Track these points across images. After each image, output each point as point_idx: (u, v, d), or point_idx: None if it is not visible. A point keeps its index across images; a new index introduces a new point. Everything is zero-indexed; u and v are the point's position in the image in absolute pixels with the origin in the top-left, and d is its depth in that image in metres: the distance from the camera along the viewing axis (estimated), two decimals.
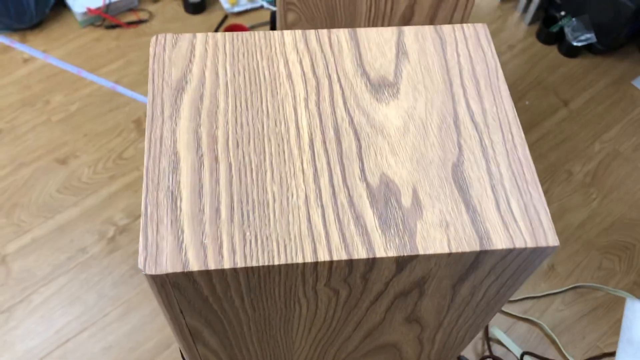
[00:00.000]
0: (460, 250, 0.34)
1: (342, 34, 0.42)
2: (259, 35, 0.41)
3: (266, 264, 0.33)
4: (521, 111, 1.47)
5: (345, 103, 0.39)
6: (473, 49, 0.42)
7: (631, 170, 1.40)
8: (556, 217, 1.31)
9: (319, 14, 0.78)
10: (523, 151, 0.38)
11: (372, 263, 0.34)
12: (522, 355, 1.05)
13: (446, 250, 0.34)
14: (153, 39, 0.40)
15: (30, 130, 1.35)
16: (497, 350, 1.11)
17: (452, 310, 0.43)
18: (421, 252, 0.34)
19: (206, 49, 0.40)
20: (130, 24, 1.62)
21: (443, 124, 0.38)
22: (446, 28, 0.43)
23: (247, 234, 0.33)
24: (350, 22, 0.78)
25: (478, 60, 0.41)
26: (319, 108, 0.39)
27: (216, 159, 0.36)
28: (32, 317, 1.12)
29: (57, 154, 1.31)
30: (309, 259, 0.33)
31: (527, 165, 0.37)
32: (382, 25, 0.77)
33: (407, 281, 0.37)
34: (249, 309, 0.38)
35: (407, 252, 0.34)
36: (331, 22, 0.79)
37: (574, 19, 1.52)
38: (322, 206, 0.35)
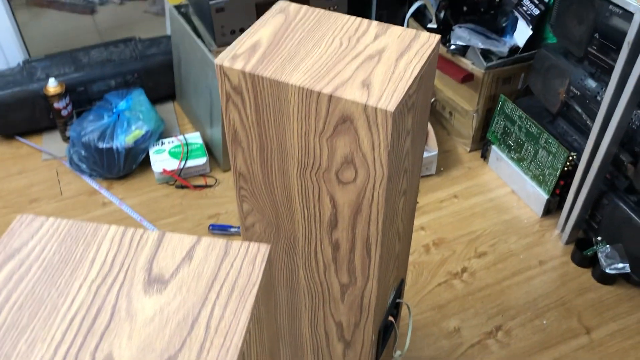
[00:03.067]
0: None
1: (152, 235, 0.53)
2: (92, 225, 0.54)
3: None
4: (536, 329, 1.43)
5: (120, 290, 0.49)
6: (246, 264, 0.51)
7: None
8: None
9: (266, 208, 0.90)
10: (232, 356, 0.44)
11: None
12: None
13: None
14: (17, 217, 0.55)
15: None
16: None
17: None
18: None
19: (48, 230, 0.53)
20: (197, 187, 1.85)
21: (182, 322, 0.47)
22: (236, 243, 0.53)
23: None
24: (290, 218, 0.89)
25: (243, 274, 0.50)
26: (97, 289, 0.49)
27: None
28: None
29: None
30: None
31: None
32: (317, 228, 0.87)
33: None
34: None
35: None
36: (276, 215, 0.90)
37: (608, 246, 1.50)
38: None
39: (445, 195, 1.79)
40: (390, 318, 1.08)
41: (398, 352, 1.14)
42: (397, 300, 1.11)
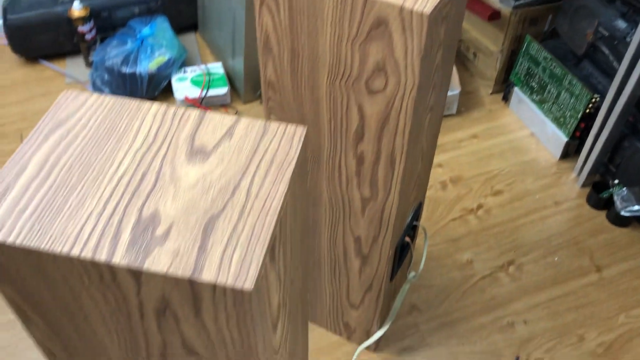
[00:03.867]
0: (173, 274, 0.43)
1: (193, 113, 0.55)
2: (135, 101, 0.56)
3: (34, 246, 0.45)
4: (548, 266, 1.45)
5: (164, 158, 0.51)
6: (284, 142, 0.53)
7: None
8: None
9: (293, 120, 0.92)
10: (270, 221, 0.47)
11: (111, 269, 0.44)
12: None
13: (164, 270, 0.43)
14: (62, 92, 0.57)
15: None
16: None
17: (217, 347, 0.51)
18: (145, 268, 0.44)
19: (93, 104, 0.55)
20: None
21: (224, 188, 0.49)
22: (274, 124, 0.54)
23: (34, 225, 0.46)
24: (317, 130, 0.90)
25: (281, 151, 0.52)
26: (142, 157, 0.51)
27: (49, 173, 0.49)
28: None
29: None
30: (66, 251, 0.44)
31: (265, 232, 0.46)
32: (343, 140, 0.89)
33: (154, 297, 0.46)
34: (47, 293, 0.50)
35: (135, 265, 0.44)
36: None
37: (625, 189, 1.50)
38: (98, 220, 0.46)
39: (465, 135, 1.79)
40: (407, 239, 1.10)
41: (412, 274, 1.17)
42: (414, 223, 1.13)
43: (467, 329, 1.34)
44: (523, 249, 1.49)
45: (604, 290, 1.41)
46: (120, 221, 0.47)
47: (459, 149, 1.75)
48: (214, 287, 0.44)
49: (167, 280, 0.44)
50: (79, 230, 0.46)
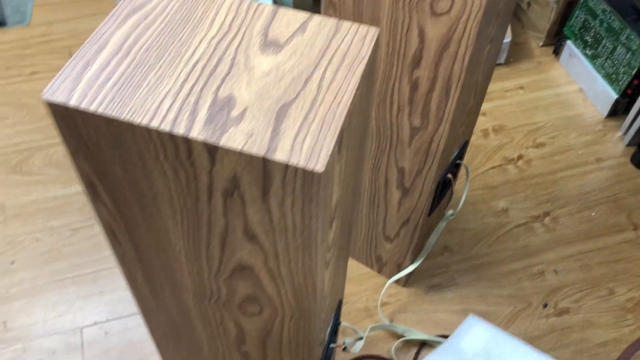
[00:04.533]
0: (248, 151, 0.45)
1: (267, 8, 0.56)
2: None
3: (115, 115, 0.46)
4: (584, 220, 1.45)
5: (238, 47, 0.52)
6: (356, 41, 0.53)
7: None
8: (577, 328, 1.27)
9: None
10: (341, 113, 0.48)
11: (188, 144, 0.46)
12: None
13: (239, 148, 0.45)
14: None
15: None
16: None
17: (278, 234, 0.53)
18: (222, 144, 0.45)
19: None
20: None
21: (296, 78, 0.50)
22: (346, 23, 0.55)
23: (115, 97, 0.47)
24: None
25: (353, 48, 0.52)
26: (217, 44, 0.52)
27: (128, 52, 0.51)
28: None
29: None
30: (145, 123, 0.46)
31: (337, 122, 0.47)
32: (399, 65, 0.89)
33: (224, 177, 0.48)
34: (120, 169, 0.52)
35: (212, 141, 0.45)
36: None
37: None
38: (176, 98, 0.48)
39: (511, 85, 1.76)
40: (449, 175, 1.11)
41: (450, 212, 1.18)
42: (458, 161, 1.13)
43: (497, 273, 1.35)
44: (560, 202, 1.49)
45: (639, 249, 1.40)
46: (197, 101, 0.48)
47: (504, 99, 1.73)
48: (285, 167, 0.45)
49: (241, 158, 0.46)
50: (158, 105, 0.47)
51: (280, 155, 0.45)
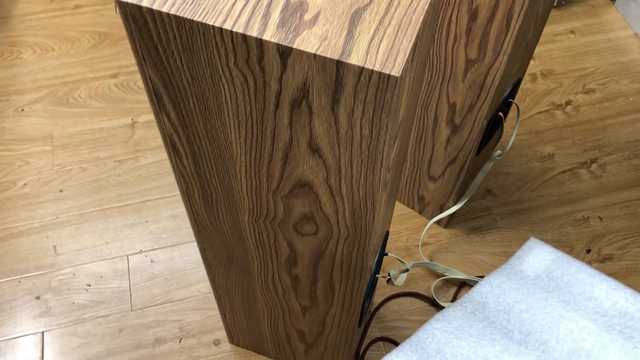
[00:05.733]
0: (322, 54, 0.44)
1: None
2: None
3: (187, 17, 0.46)
4: (631, 168, 1.42)
5: None
6: None
7: None
8: (620, 275, 1.26)
9: None
10: (417, 18, 0.46)
11: (261, 46, 0.45)
12: None
13: (313, 51, 0.44)
14: None
15: None
16: None
17: (342, 148, 0.52)
18: (295, 46, 0.44)
19: None
20: None
21: None
22: None
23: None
24: None
25: None
26: None
27: None
28: None
29: None
30: (218, 24, 0.45)
31: (413, 27, 0.46)
32: None
33: (294, 84, 0.48)
34: (187, 75, 0.52)
35: (286, 43, 0.45)
36: None
37: None
38: (248, 0, 0.47)
39: (562, 29, 1.70)
40: (500, 114, 1.09)
41: (498, 152, 1.16)
42: (510, 100, 1.11)
43: (540, 217, 1.34)
44: (608, 149, 1.45)
45: None
46: (270, 3, 0.47)
47: (554, 43, 1.67)
48: (360, 72, 0.44)
49: (315, 62, 0.45)
50: (230, 8, 0.47)
51: (354, 59, 0.44)
